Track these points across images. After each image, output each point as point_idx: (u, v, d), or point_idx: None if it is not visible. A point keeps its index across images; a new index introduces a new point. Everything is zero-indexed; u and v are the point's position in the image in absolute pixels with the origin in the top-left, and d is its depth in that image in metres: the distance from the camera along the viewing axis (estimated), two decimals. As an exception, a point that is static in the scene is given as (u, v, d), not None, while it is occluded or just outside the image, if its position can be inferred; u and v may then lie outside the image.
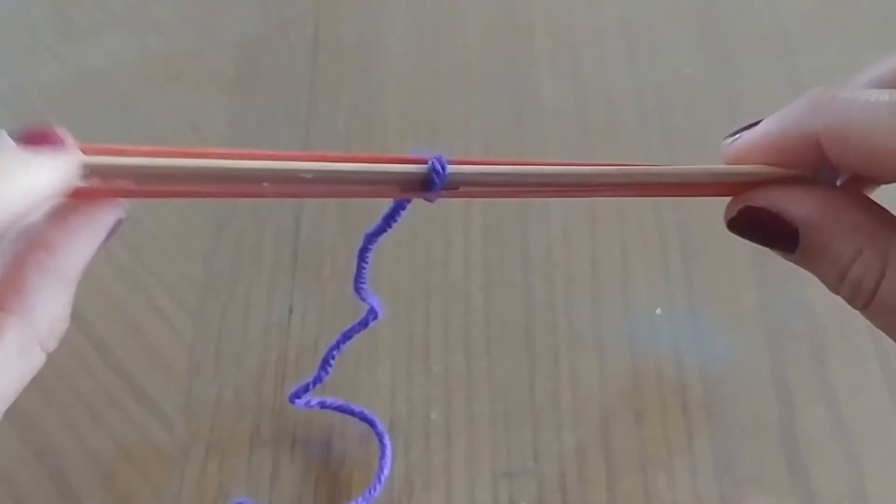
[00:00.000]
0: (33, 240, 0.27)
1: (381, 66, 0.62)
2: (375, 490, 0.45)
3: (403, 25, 0.65)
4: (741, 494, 0.45)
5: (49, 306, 0.27)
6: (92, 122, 0.60)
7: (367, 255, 0.36)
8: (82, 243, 0.27)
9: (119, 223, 0.28)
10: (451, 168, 0.28)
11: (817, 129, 0.27)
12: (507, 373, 0.49)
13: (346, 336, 0.43)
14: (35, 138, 0.25)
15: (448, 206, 0.55)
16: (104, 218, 0.27)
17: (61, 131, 0.26)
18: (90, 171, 0.26)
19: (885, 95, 0.26)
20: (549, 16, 0.65)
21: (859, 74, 0.29)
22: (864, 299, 0.27)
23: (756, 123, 0.29)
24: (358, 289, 0.38)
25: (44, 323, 0.27)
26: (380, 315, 0.42)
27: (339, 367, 0.45)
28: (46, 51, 0.64)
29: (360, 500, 0.45)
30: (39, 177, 0.24)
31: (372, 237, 0.34)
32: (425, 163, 0.28)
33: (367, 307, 0.41)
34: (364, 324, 0.42)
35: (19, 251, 0.27)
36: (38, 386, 0.48)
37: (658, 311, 0.51)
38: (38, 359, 0.27)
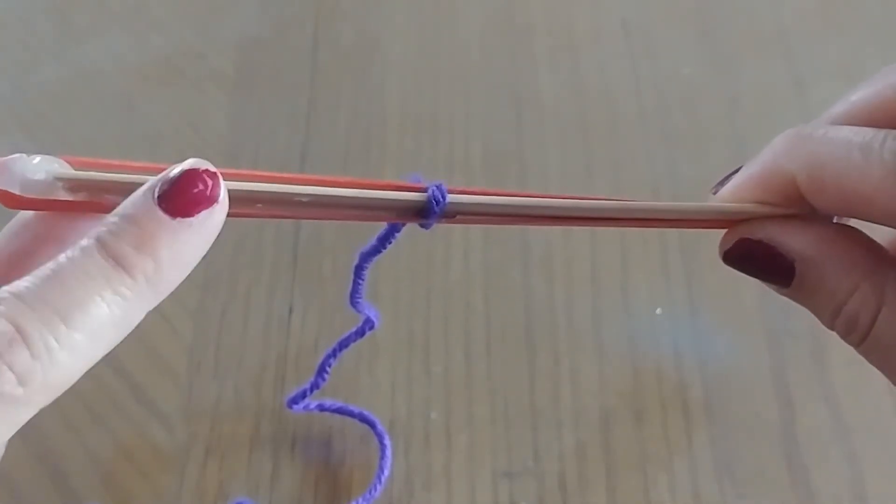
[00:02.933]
0: None
1: (381, 66, 0.62)
2: (376, 490, 0.45)
3: (403, 25, 0.65)
4: (741, 494, 0.45)
5: None
6: (92, 122, 0.60)
7: (363, 271, 0.36)
8: None
9: None
10: (450, 198, 0.28)
11: (793, 172, 0.27)
12: (507, 373, 0.49)
13: (343, 344, 0.43)
14: None
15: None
16: None
17: None
18: (77, 185, 0.26)
19: (858, 136, 0.26)
20: (549, 16, 0.65)
21: (834, 106, 0.29)
22: (859, 336, 0.27)
23: (737, 171, 0.29)
24: (354, 302, 0.39)
25: None
26: (376, 325, 0.42)
27: (340, 367, 0.45)
28: (46, 51, 0.64)
29: (360, 500, 0.45)
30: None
31: (367, 256, 0.34)
32: (424, 190, 0.28)
33: (364, 317, 0.41)
34: (360, 333, 0.42)
35: None
36: (38, 386, 0.48)
37: (658, 311, 0.51)
38: None
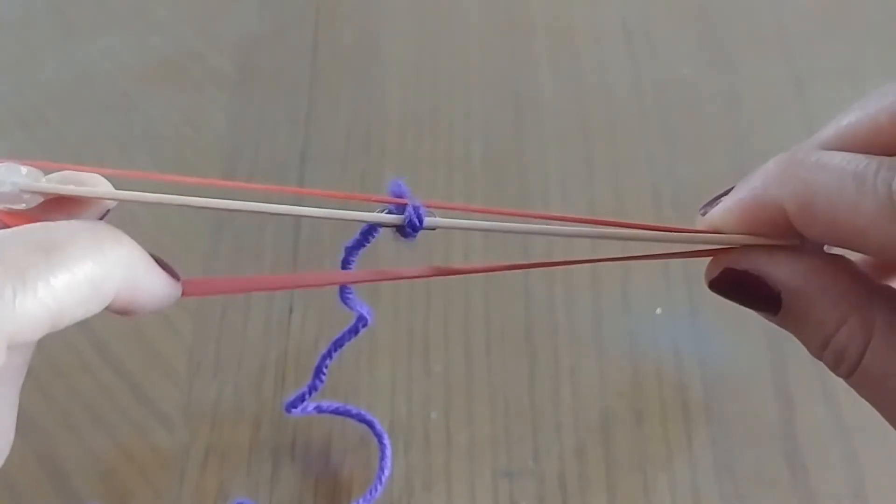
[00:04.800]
0: None
1: (381, 66, 0.62)
2: (376, 490, 0.45)
3: (403, 25, 0.65)
4: (741, 494, 0.45)
5: None
6: (92, 122, 0.60)
7: (350, 266, 0.36)
8: None
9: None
10: (427, 221, 0.28)
11: (784, 201, 0.26)
12: (507, 373, 0.49)
13: (337, 344, 0.43)
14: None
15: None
16: None
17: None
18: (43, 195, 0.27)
19: (851, 164, 0.25)
20: (549, 16, 0.65)
21: (826, 129, 0.27)
22: (847, 369, 0.26)
23: (728, 191, 0.28)
24: (344, 299, 0.38)
25: None
26: (370, 322, 0.42)
27: (339, 367, 0.45)
28: (46, 51, 0.64)
29: (360, 500, 0.45)
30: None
31: (352, 250, 0.34)
32: (405, 205, 0.28)
33: (357, 315, 0.41)
34: (354, 331, 0.42)
35: None
36: (39, 386, 0.48)
37: (658, 311, 0.51)
38: None
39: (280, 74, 0.62)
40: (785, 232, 0.27)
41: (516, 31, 0.64)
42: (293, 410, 0.46)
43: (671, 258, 0.30)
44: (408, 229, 0.28)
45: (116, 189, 0.28)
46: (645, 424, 0.48)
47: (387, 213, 0.29)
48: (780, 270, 0.27)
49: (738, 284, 0.28)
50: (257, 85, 0.62)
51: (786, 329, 0.28)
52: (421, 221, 0.28)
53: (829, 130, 0.27)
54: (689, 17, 0.64)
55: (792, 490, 0.46)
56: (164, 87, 0.62)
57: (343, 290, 0.38)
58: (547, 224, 0.29)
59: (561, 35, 0.64)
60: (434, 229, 0.29)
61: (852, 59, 0.62)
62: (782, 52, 0.62)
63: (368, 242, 0.32)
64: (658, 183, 0.56)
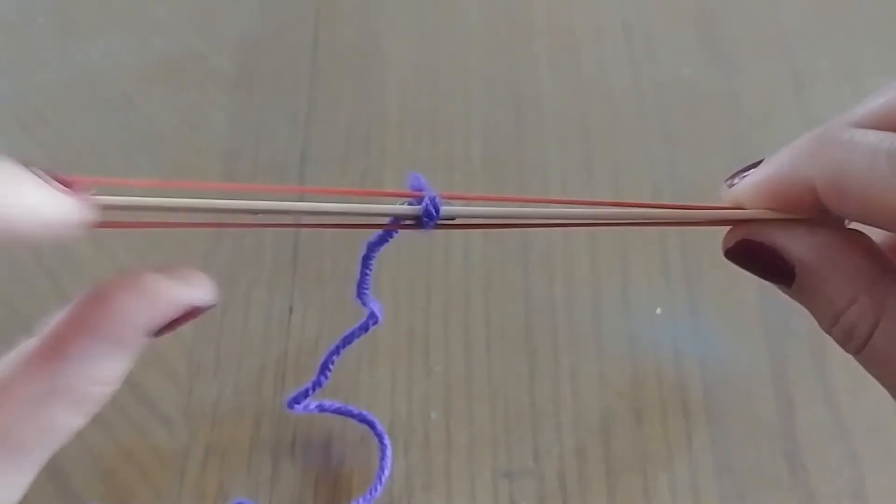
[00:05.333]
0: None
1: (381, 66, 0.62)
2: (376, 490, 0.45)
3: (403, 25, 0.65)
4: (741, 494, 0.45)
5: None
6: (92, 122, 0.60)
7: (371, 262, 0.36)
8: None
9: (200, 311, 0.28)
10: (444, 210, 0.28)
11: (814, 179, 0.26)
12: (507, 373, 0.49)
13: (347, 341, 0.43)
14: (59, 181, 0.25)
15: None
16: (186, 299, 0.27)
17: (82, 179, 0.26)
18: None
19: (885, 142, 0.25)
20: (549, 16, 0.65)
21: (856, 107, 0.27)
22: (856, 346, 0.27)
23: (757, 164, 0.28)
24: (361, 294, 0.38)
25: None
26: (380, 320, 0.42)
27: (340, 367, 0.45)
28: (46, 51, 0.64)
29: (360, 500, 0.45)
30: (45, 200, 0.24)
31: (374, 246, 0.34)
32: (420, 198, 0.29)
33: (368, 311, 0.41)
34: (364, 328, 0.42)
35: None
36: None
37: (658, 311, 0.51)
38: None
39: (280, 74, 0.62)
40: (811, 209, 0.27)
41: (516, 31, 0.64)
42: (295, 407, 0.46)
43: (691, 227, 0.30)
44: (425, 219, 0.28)
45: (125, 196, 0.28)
46: (645, 424, 0.48)
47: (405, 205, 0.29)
48: (795, 245, 0.27)
49: (753, 256, 0.28)
50: (257, 85, 0.62)
51: (799, 302, 0.28)
52: (438, 211, 0.28)
53: (863, 108, 0.27)
54: (689, 17, 0.64)
55: (792, 490, 0.46)
56: (164, 87, 0.62)
57: (360, 286, 0.38)
58: (566, 208, 0.29)
59: (561, 35, 0.64)
60: (453, 219, 0.29)
61: (852, 59, 0.62)
62: (782, 52, 0.62)
63: (392, 236, 0.33)
64: (658, 183, 0.56)
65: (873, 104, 0.27)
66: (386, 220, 0.30)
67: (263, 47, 0.64)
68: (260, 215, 0.28)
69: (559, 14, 0.65)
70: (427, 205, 0.28)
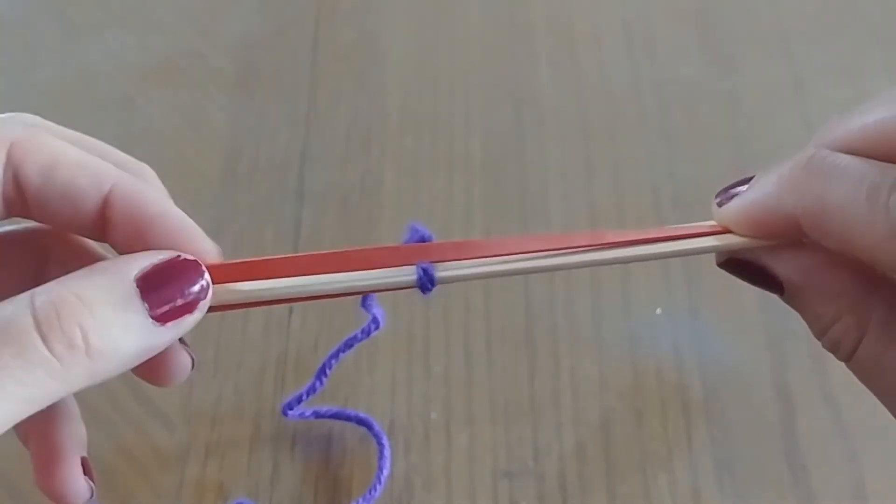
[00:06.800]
0: None
1: (381, 66, 0.62)
2: (376, 490, 0.45)
3: (403, 25, 0.65)
4: (741, 494, 0.45)
5: None
6: (92, 122, 0.60)
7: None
8: None
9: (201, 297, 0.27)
10: (439, 275, 0.29)
11: (797, 212, 0.27)
12: (507, 373, 0.49)
13: (348, 344, 0.43)
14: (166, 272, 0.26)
15: (448, 206, 0.55)
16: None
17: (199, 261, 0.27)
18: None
19: (869, 175, 0.25)
20: (549, 16, 0.65)
21: (842, 122, 0.27)
22: (843, 357, 0.28)
23: (747, 180, 0.29)
24: (365, 302, 0.39)
25: None
26: (382, 325, 0.42)
27: (339, 367, 0.45)
28: (46, 51, 0.64)
29: (360, 500, 0.45)
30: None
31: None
32: (421, 241, 0.30)
33: (370, 316, 0.41)
34: (366, 333, 0.42)
35: None
36: (38, 386, 0.48)
37: (658, 311, 0.51)
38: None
39: (280, 74, 0.62)
40: (796, 236, 0.28)
41: (516, 31, 0.64)
42: (290, 413, 0.46)
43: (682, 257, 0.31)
44: (422, 289, 0.29)
45: None
46: (645, 424, 0.48)
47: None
48: (780, 266, 0.29)
49: (744, 270, 0.30)
50: (257, 85, 0.62)
51: (792, 308, 0.30)
52: (433, 282, 0.29)
53: (844, 129, 0.27)
54: (689, 17, 0.64)
55: (792, 490, 0.46)
56: (164, 87, 0.62)
57: (365, 297, 0.38)
58: (552, 257, 0.30)
59: (561, 35, 0.64)
60: (450, 282, 0.30)
61: (852, 59, 0.61)
62: (782, 52, 0.62)
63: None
64: (658, 183, 0.56)
65: (867, 119, 0.27)
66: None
67: (263, 47, 0.64)
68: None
69: (559, 14, 0.65)
70: (420, 277, 0.29)
